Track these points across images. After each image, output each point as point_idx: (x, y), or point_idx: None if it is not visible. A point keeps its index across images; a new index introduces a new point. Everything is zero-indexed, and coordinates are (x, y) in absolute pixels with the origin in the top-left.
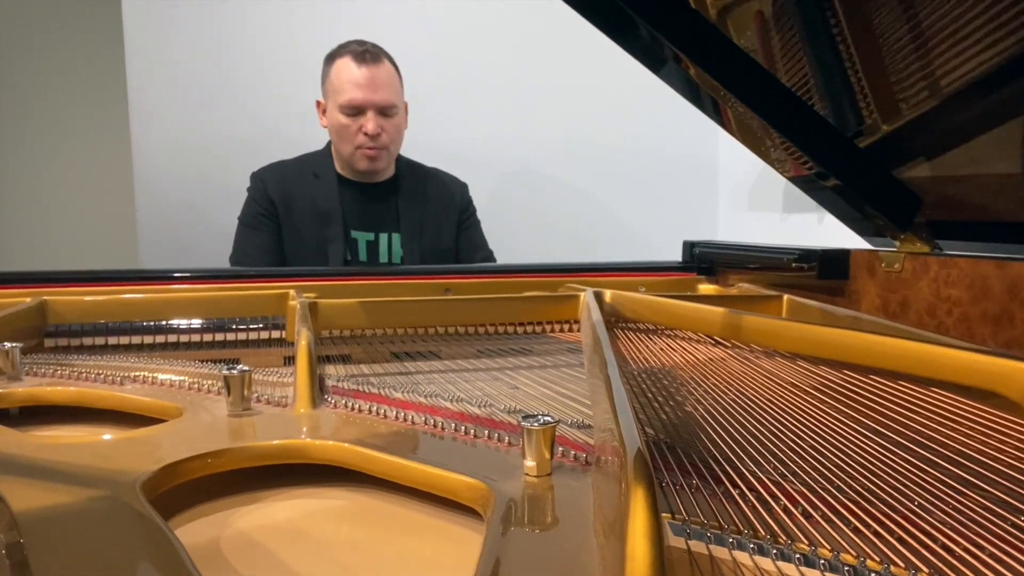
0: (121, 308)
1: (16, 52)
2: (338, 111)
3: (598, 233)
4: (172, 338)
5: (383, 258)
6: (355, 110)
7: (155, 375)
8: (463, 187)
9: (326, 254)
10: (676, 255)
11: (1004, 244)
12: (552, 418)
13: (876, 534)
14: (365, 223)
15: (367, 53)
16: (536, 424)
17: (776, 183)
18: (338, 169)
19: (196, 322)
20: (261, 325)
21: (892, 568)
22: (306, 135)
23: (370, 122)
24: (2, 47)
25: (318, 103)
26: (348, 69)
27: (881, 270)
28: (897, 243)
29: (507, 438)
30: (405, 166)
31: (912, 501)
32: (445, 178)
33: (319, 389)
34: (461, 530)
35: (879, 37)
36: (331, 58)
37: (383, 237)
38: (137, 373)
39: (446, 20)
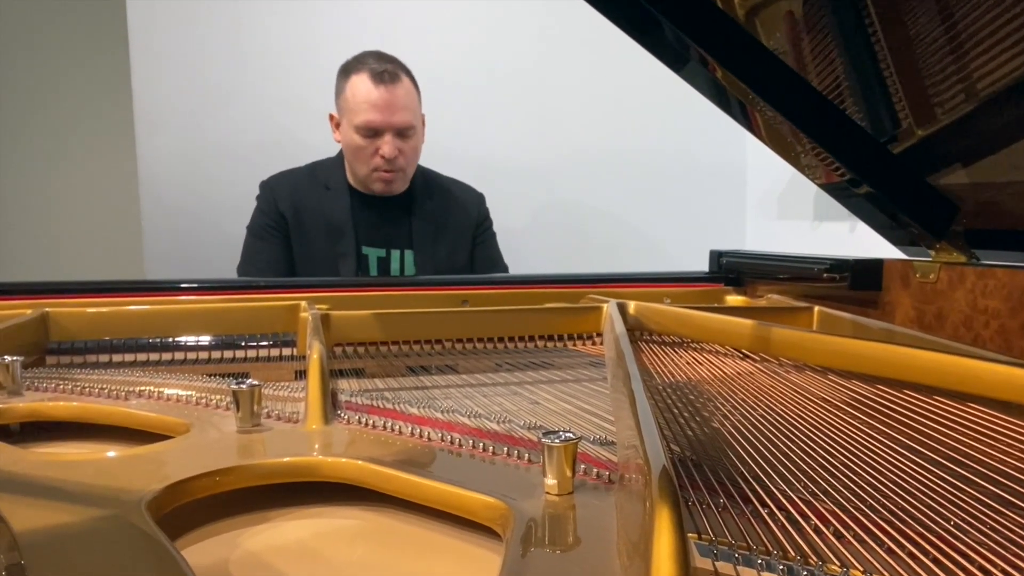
0: (126, 320)
1: (17, 54)
2: (353, 131)
3: (621, 242)
4: (179, 355)
5: (394, 275)
6: (372, 132)
7: (161, 390)
8: (480, 199)
9: (337, 269)
10: (703, 265)
11: None
12: (574, 434)
13: (911, 555)
14: (377, 239)
15: (386, 73)
16: (557, 441)
17: (806, 190)
18: (350, 181)
19: (204, 339)
20: (270, 343)
21: None
22: (318, 141)
23: (387, 145)
24: (3, 48)
25: (331, 116)
26: (365, 88)
27: (916, 281)
28: (932, 252)
29: (527, 455)
30: (420, 177)
31: (948, 521)
32: (461, 190)
33: (332, 404)
34: (479, 551)
35: (914, 38)
36: (347, 72)
37: (395, 254)
38: (142, 388)
39: (464, 24)
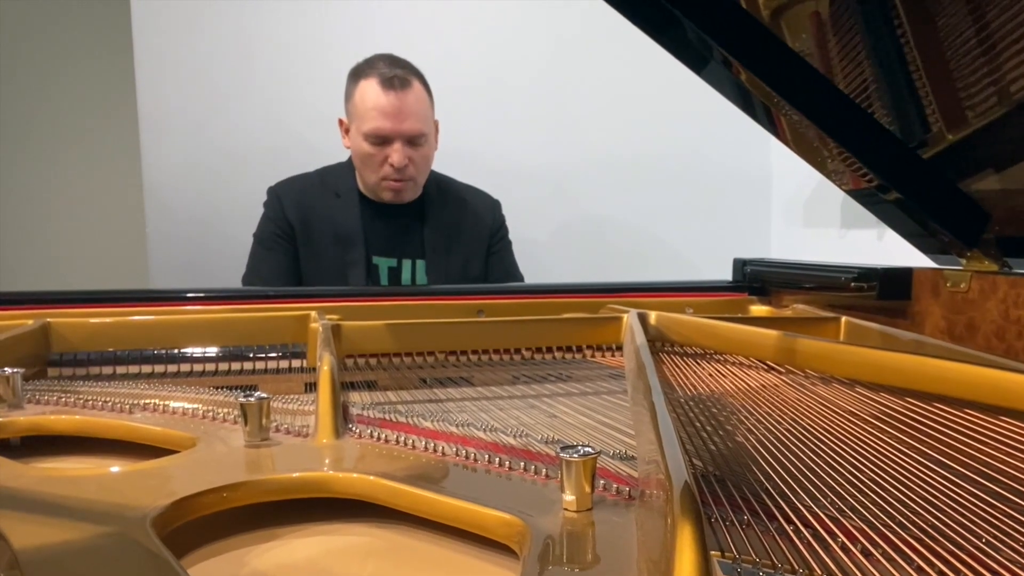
0: (130, 331)
1: (19, 56)
2: (362, 138)
3: (642, 250)
4: (185, 367)
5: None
6: (381, 140)
7: (166, 403)
8: (495, 206)
9: (346, 279)
10: (726, 274)
11: None
12: (593, 449)
13: (941, 574)
14: (387, 248)
15: (396, 78)
16: (576, 455)
17: (833, 197)
18: (361, 188)
19: (211, 350)
20: (279, 354)
21: None
22: (328, 146)
23: (397, 153)
24: (5, 50)
25: (340, 121)
26: (375, 94)
27: (946, 290)
28: (963, 261)
29: (544, 470)
30: (433, 183)
31: (980, 538)
32: (476, 197)
33: (343, 418)
34: (495, 569)
35: (945, 39)
36: (356, 76)
37: (406, 263)
38: (147, 400)
39: (478, 24)
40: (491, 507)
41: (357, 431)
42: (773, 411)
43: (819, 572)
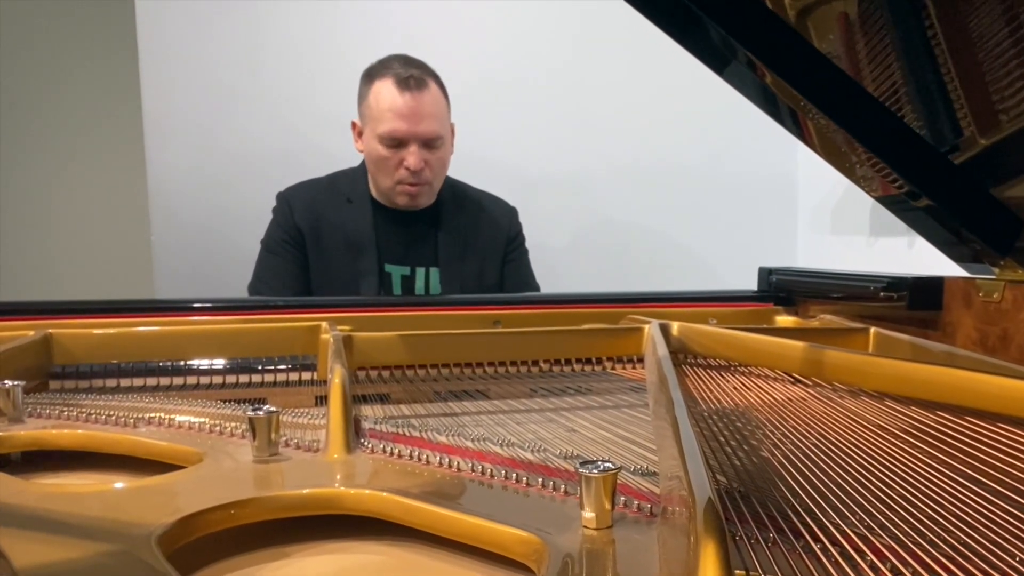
0: (134, 342)
1: (21, 57)
2: (377, 141)
3: (664, 259)
4: (191, 380)
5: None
6: (396, 142)
7: (172, 417)
8: (512, 213)
9: (358, 288)
10: (751, 283)
11: None
12: (613, 464)
13: None
14: (401, 256)
15: (411, 78)
16: (595, 471)
17: (862, 203)
18: (373, 194)
19: (218, 362)
20: (289, 366)
21: None
22: (339, 150)
23: (412, 156)
24: (7, 52)
25: (353, 124)
26: (390, 95)
27: (978, 300)
28: (996, 270)
29: (563, 487)
30: (448, 190)
31: (1013, 557)
32: (492, 204)
33: (354, 432)
34: None
35: (977, 41)
36: (370, 77)
37: (419, 272)
38: (152, 414)
39: (495, 24)
40: (508, 524)
41: (369, 446)
42: (800, 425)
43: None
